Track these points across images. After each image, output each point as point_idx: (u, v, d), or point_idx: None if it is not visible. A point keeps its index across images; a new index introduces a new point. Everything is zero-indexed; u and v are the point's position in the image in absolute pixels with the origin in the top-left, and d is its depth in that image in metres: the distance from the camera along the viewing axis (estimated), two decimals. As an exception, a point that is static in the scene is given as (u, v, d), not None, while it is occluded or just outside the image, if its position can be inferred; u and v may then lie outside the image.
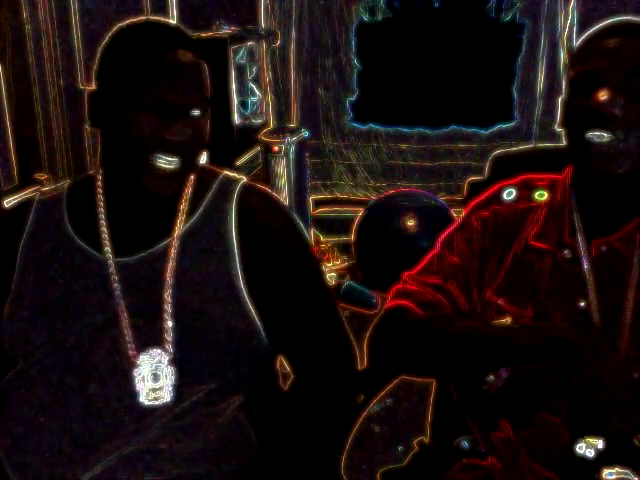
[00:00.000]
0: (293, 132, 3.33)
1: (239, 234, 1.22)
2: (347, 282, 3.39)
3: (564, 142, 1.19)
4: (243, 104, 3.51)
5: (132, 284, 1.20)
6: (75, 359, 1.17)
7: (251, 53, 3.57)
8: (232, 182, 1.28)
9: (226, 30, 3.48)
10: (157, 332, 1.17)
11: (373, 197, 4.01)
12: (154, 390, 1.15)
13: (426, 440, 1.45)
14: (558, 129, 1.20)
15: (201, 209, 1.24)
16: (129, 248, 1.22)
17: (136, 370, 1.16)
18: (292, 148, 3.20)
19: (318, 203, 4.06)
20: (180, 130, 1.14)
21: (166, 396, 1.15)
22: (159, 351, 1.16)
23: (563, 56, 3.73)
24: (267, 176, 3.19)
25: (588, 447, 1.13)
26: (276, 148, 3.16)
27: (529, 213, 1.24)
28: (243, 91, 3.52)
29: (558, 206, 1.22)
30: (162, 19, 1.31)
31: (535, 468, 1.17)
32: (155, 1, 3.43)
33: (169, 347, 1.16)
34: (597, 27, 1.16)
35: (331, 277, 3.54)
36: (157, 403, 1.15)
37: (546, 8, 3.77)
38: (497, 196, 1.28)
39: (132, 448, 1.13)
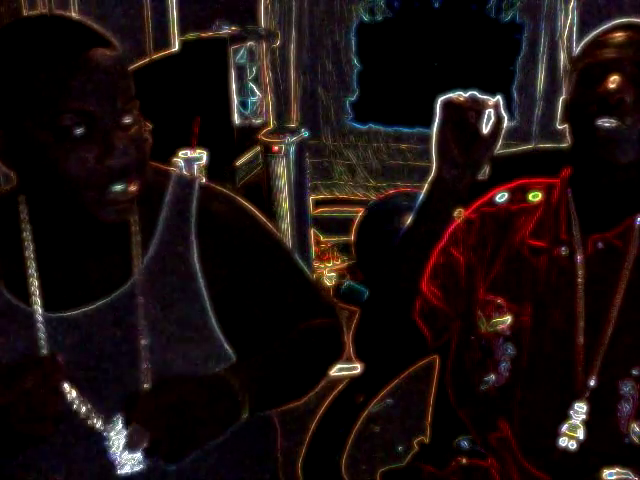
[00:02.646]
0: (293, 132, 3.33)
1: (201, 252, 1.06)
2: (347, 282, 3.39)
3: (564, 142, 1.19)
4: (243, 104, 3.51)
5: (77, 344, 1.01)
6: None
7: (251, 53, 3.57)
8: (186, 186, 1.10)
9: (226, 30, 3.48)
10: (123, 396, 1.00)
11: (373, 197, 4.01)
12: (129, 460, 1.02)
13: (426, 440, 1.45)
14: (560, 126, 1.20)
15: (157, 233, 1.06)
16: (70, 299, 1.01)
17: (106, 443, 1.01)
18: (292, 148, 3.20)
19: (318, 203, 4.06)
20: (122, 150, 0.92)
21: (142, 462, 1.02)
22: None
23: (563, 56, 3.72)
24: (267, 176, 3.19)
25: (570, 440, 1.14)
26: (276, 148, 3.15)
27: (522, 214, 1.24)
28: (243, 91, 3.52)
29: (554, 205, 1.22)
30: (62, 14, 1.09)
31: (528, 468, 1.17)
32: (155, 1, 3.43)
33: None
34: (604, 27, 1.17)
35: (331, 277, 3.54)
36: (136, 469, 1.02)
37: (546, 8, 3.77)
38: (489, 200, 1.29)
39: None
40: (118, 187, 0.94)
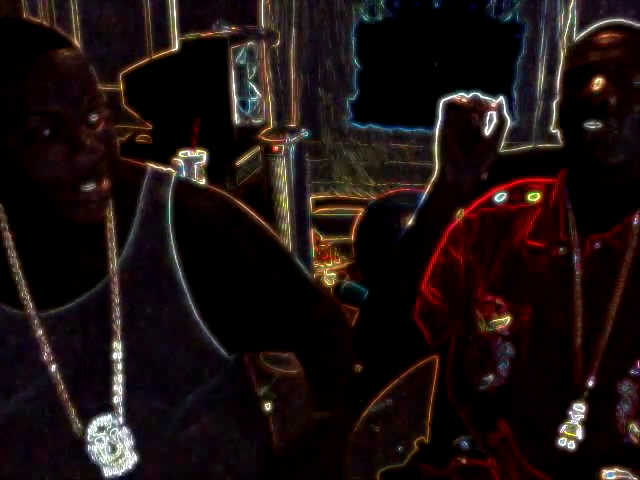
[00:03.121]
0: (293, 132, 3.32)
1: (180, 250, 1.05)
2: (347, 282, 3.39)
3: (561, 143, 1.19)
4: (243, 104, 3.50)
5: (66, 341, 1.01)
6: (19, 441, 1.01)
7: (251, 53, 3.57)
8: (162, 181, 1.09)
9: (226, 30, 3.47)
10: (103, 394, 1.01)
11: (373, 197, 4.01)
12: (115, 460, 1.01)
13: (426, 440, 1.45)
14: (553, 130, 1.20)
15: (133, 229, 1.05)
16: (55, 296, 1.01)
17: (89, 447, 1.01)
18: (292, 148, 3.20)
19: (318, 203, 4.06)
20: (90, 147, 0.92)
21: (129, 460, 1.02)
22: (108, 418, 1.01)
23: (563, 56, 3.72)
24: (267, 176, 3.19)
25: (569, 440, 1.14)
26: (276, 148, 3.15)
27: (521, 214, 1.25)
28: (243, 91, 3.51)
29: (553, 205, 1.22)
30: (19, 17, 1.05)
31: (528, 468, 1.18)
32: (155, 1, 3.43)
33: (119, 409, 1.01)
34: (589, 29, 1.17)
35: (331, 277, 3.54)
36: (122, 470, 1.02)
37: (546, 8, 3.77)
38: (488, 200, 1.29)
39: None
40: (89, 187, 0.94)
